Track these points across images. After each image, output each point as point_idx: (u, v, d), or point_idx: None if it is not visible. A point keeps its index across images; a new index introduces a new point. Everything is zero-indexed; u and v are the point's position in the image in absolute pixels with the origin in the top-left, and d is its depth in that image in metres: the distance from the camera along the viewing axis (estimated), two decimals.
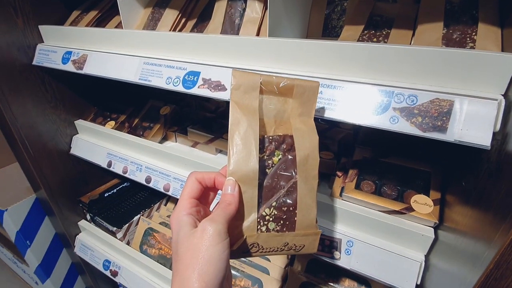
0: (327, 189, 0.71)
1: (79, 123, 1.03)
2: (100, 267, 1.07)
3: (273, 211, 0.39)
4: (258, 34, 0.59)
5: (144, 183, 0.86)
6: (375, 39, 0.53)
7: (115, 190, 1.17)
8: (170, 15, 0.72)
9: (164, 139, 1.00)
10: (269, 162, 0.41)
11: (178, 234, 0.34)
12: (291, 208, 0.40)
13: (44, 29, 0.87)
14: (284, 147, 0.42)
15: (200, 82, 0.58)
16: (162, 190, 0.83)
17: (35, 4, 0.86)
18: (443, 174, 0.60)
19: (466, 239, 0.45)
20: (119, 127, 1.00)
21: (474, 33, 0.47)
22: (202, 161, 0.78)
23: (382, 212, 0.58)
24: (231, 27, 0.62)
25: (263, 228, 0.39)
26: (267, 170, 0.41)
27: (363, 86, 0.45)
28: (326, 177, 0.75)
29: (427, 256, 0.56)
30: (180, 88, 0.60)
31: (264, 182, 0.40)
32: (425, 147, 0.68)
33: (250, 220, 0.38)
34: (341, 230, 0.61)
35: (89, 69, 0.75)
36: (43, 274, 1.20)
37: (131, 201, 1.15)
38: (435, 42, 0.47)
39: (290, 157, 0.41)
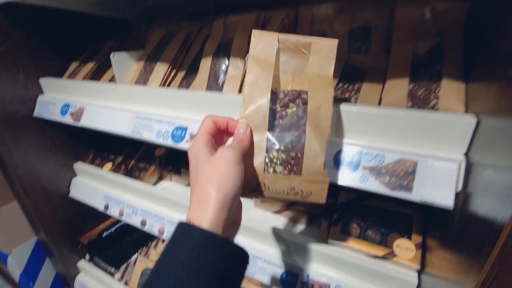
0: (316, 229, 0.72)
1: (78, 165, 1.07)
2: None
3: (281, 155, 0.41)
4: (240, 91, 0.63)
5: (140, 226, 0.88)
6: (347, 94, 0.57)
7: (113, 230, 1.19)
8: (161, 69, 0.77)
9: (160, 178, 1.02)
10: (282, 113, 0.42)
11: (198, 160, 0.37)
12: (298, 154, 0.41)
13: (44, 82, 0.93)
14: (299, 101, 0.43)
15: (187, 137, 0.62)
16: (156, 234, 0.85)
17: (36, 59, 0.92)
18: (424, 217, 0.61)
19: (444, 283, 0.46)
20: (116, 169, 1.03)
21: (438, 89, 0.50)
22: None
23: (367, 257, 0.60)
24: (216, 83, 0.66)
25: (270, 170, 0.41)
26: (280, 120, 0.42)
27: (336, 144, 0.48)
28: (314, 217, 0.77)
29: None
30: (169, 142, 0.64)
31: (275, 129, 0.42)
32: None
33: (258, 160, 0.41)
34: (329, 275, 0.62)
35: (85, 121, 0.79)
36: None
37: (129, 239, 1.16)
38: (401, 99, 0.50)
39: (303, 108, 0.42)
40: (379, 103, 0.53)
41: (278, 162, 0.41)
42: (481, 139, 0.38)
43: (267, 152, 0.41)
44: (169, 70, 0.77)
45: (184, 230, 0.33)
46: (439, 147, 0.42)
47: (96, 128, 0.77)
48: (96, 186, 1.00)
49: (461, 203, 0.40)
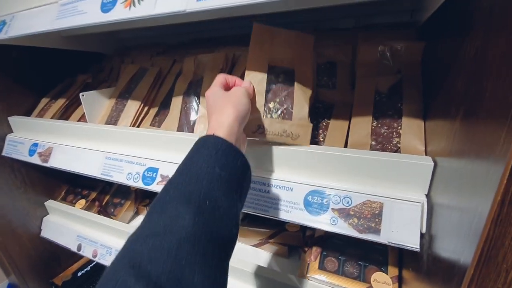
0: (296, 262, 0.72)
1: (49, 204, 1.02)
2: None
3: (276, 105, 0.51)
4: None
5: None
6: (315, 132, 0.58)
7: (88, 268, 1.13)
8: (132, 106, 0.76)
9: (136, 213, 0.99)
10: (277, 79, 0.53)
11: (215, 96, 0.43)
12: (290, 105, 0.51)
13: (13, 120, 0.90)
14: (289, 72, 0.54)
15: (158, 178, 0.61)
16: None
17: (5, 96, 0.90)
18: (399, 248, 0.62)
19: None
20: (89, 206, 0.99)
21: (399, 127, 0.52)
22: None
23: None
24: (187, 121, 0.66)
25: (268, 116, 0.50)
26: (274, 84, 0.53)
27: (306, 186, 0.48)
28: (294, 249, 0.76)
29: None
30: (140, 184, 0.62)
31: (272, 89, 0.52)
32: None
33: (259, 107, 0.50)
34: None
35: (54, 162, 0.77)
36: None
37: None
38: (365, 137, 0.51)
39: (291, 76, 0.54)
40: (346, 140, 0.54)
41: (275, 110, 0.51)
42: (439, 180, 0.40)
43: (266, 102, 0.51)
44: (141, 107, 0.76)
45: (202, 139, 0.38)
46: (403, 188, 0.43)
47: (65, 169, 0.74)
48: (69, 225, 0.96)
49: (426, 243, 0.41)
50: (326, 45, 0.71)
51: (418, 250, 0.40)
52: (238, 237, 0.82)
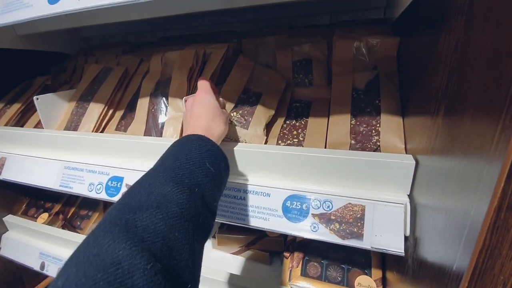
0: (278, 268, 0.68)
1: (8, 219, 0.93)
2: None
3: (238, 115, 0.57)
4: (182, 133, 0.58)
5: None
6: (294, 132, 0.55)
7: None
8: (95, 109, 0.70)
9: None
10: (248, 98, 0.60)
11: (210, 102, 0.45)
12: (249, 118, 0.56)
13: None
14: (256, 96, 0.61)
15: (123, 188, 0.55)
16: None
17: None
18: None
19: None
20: (53, 220, 0.91)
21: (378, 125, 0.50)
22: None
23: None
24: (155, 124, 0.60)
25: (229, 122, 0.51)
26: (243, 101, 0.59)
27: (284, 191, 0.45)
28: (276, 254, 0.73)
29: None
30: (103, 195, 0.56)
31: (239, 104, 0.59)
32: None
33: None
34: None
35: (7, 174, 0.68)
36: None
37: None
38: (344, 137, 0.49)
39: (258, 99, 0.60)
40: (326, 139, 0.52)
41: (236, 119, 0.56)
42: (422, 179, 0.38)
43: (231, 112, 0.58)
44: (105, 110, 0.70)
45: (193, 135, 0.39)
46: (384, 189, 0.41)
47: (19, 182, 0.66)
48: (30, 242, 0.87)
49: (411, 247, 0.39)
50: (302, 42, 0.68)
51: (403, 255, 0.38)
52: (217, 246, 0.78)
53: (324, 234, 0.41)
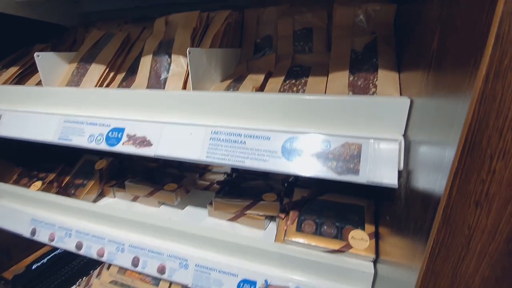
0: (274, 231, 0.70)
1: None
2: None
3: None
4: (184, 88, 0.59)
5: (75, 250, 0.76)
6: (295, 88, 0.57)
7: (45, 260, 1.02)
8: (96, 70, 0.70)
9: (101, 195, 0.92)
10: None
11: None
12: None
13: None
14: None
15: (124, 138, 0.56)
16: (95, 257, 0.74)
17: None
18: (375, 207, 0.62)
19: (396, 268, 0.45)
20: (46, 188, 0.90)
21: (375, 79, 0.52)
22: (141, 219, 0.72)
23: (325, 252, 0.58)
24: (157, 81, 0.61)
25: None
26: None
27: (283, 133, 0.46)
28: (272, 219, 0.74)
29: None
30: (103, 146, 0.57)
31: None
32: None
33: None
34: (288, 276, 0.59)
35: (3, 130, 0.68)
36: None
37: (67, 270, 1.01)
38: (343, 89, 0.51)
39: None
40: (325, 93, 0.54)
41: None
42: (415, 118, 0.40)
43: None
44: (106, 71, 0.71)
45: None
46: (380, 129, 0.43)
47: (15, 137, 0.66)
48: (21, 209, 0.86)
49: (404, 181, 0.41)
50: (302, 11, 0.70)
51: (396, 186, 0.40)
52: (213, 212, 0.79)
53: (322, 171, 0.43)
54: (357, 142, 0.43)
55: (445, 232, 0.28)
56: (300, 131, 0.46)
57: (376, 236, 0.57)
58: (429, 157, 0.32)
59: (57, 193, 0.87)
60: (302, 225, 0.62)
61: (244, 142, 0.48)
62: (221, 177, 0.92)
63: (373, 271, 0.54)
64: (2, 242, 0.96)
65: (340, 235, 0.59)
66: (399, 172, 0.41)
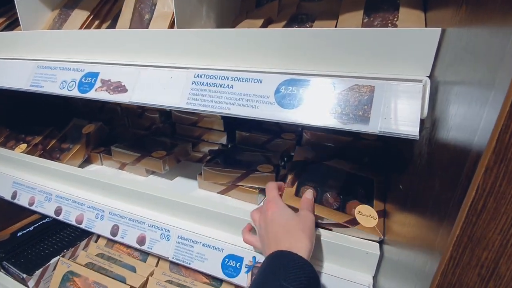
0: None
1: None
2: None
3: None
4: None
5: (54, 215, 0.71)
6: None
7: (31, 228, 0.98)
8: (79, 15, 0.63)
9: (88, 162, 0.86)
10: None
11: (286, 217, 0.45)
12: None
13: None
14: None
15: (98, 84, 0.49)
16: (74, 223, 0.68)
17: None
18: (385, 182, 0.54)
19: (408, 252, 0.37)
20: (31, 151, 0.84)
21: (395, 19, 0.42)
22: (123, 184, 0.65)
23: (323, 225, 0.50)
24: (141, 22, 0.54)
25: None
26: None
27: (276, 77, 0.38)
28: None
29: (376, 278, 0.47)
30: (75, 92, 0.50)
31: None
32: (368, 151, 0.62)
33: None
34: None
35: None
36: None
37: (52, 241, 0.96)
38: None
39: None
40: None
41: None
42: (446, 54, 0.31)
43: None
44: (90, 18, 0.63)
45: (287, 256, 0.39)
46: (400, 69, 0.34)
47: None
48: (3, 171, 0.81)
49: (427, 133, 0.32)
50: None
51: (417, 137, 0.31)
52: (203, 183, 0.71)
53: (323, 119, 0.34)
54: (369, 84, 0.34)
55: (486, 201, 0.19)
56: (298, 72, 0.37)
57: (384, 215, 0.49)
58: (466, 102, 0.23)
59: (41, 156, 0.82)
60: (301, 190, 0.53)
61: (231, 86, 0.40)
62: (216, 148, 0.84)
63: (379, 252, 0.46)
64: None
65: (343, 208, 0.50)
66: (422, 121, 0.32)
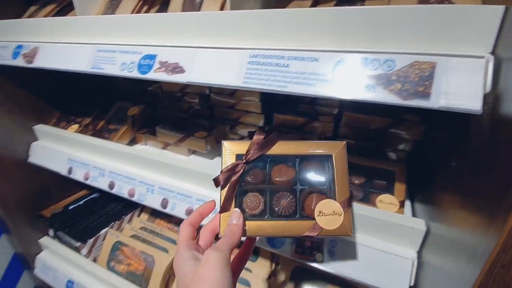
0: None
1: (38, 128, 0.94)
2: None
3: None
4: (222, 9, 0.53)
5: (107, 189, 0.77)
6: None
7: (82, 202, 1.07)
8: (130, 1, 0.67)
9: (133, 142, 0.92)
10: None
11: (183, 270, 0.35)
12: None
13: None
14: None
15: (156, 65, 0.52)
16: (126, 196, 0.74)
17: None
18: (408, 171, 0.55)
19: (458, 230, 0.38)
20: (82, 131, 0.91)
21: None
22: (171, 162, 0.70)
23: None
24: (192, 6, 0.56)
25: None
26: None
27: (333, 55, 0.39)
28: None
29: (420, 253, 0.49)
30: (135, 73, 0.54)
31: None
32: (410, 133, 0.63)
33: None
34: None
35: (39, 62, 0.68)
36: None
37: (100, 214, 1.05)
38: None
39: None
40: None
41: None
42: (509, 32, 0.31)
43: None
44: (140, 4, 0.66)
45: None
46: (461, 45, 0.34)
47: (51, 68, 0.65)
48: (59, 149, 0.88)
49: (489, 108, 0.33)
50: None
51: (479, 111, 0.32)
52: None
53: (381, 96, 0.36)
54: (430, 60, 0.34)
55: None
56: (356, 50, 0.38)
57: (411, 198, 0.50)
58: None
59: (92, 136, 0.88)
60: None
61: (287, 65, 0.42)
62: (252, 130, 0.87)
63: (424, 228, 0.47)
64: (43, 182, 1.02)
65: (367, 199, 0.52)
66: (484, 97, 0.32)
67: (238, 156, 0.45)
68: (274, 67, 0.42)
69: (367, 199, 0.56)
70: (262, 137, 0.45)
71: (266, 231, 0.42)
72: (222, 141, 0.45)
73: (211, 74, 0.47)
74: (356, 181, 0.59)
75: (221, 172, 0.44)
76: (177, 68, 0.50)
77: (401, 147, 0.65)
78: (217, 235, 0.42)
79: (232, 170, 0.43)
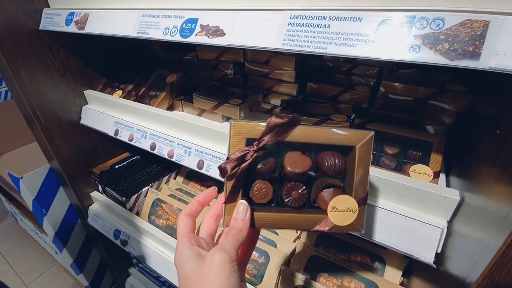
0: None
1: (88, 93, 1.03)
2: (111, 237, 1.09)
3: None
4: None
5: (149, 150, 0.84)
6: None
7: (125, 163, 1.17)
8: None
9: (171, 108, 0.97)
10: None
11: (185, 269, 0.34)
12: None
13: None
14: None
15: (197, 29, 0.54)
16: (166, 157, 0.80)
17: None
18: (447, 141, 0.53)
19: (491, 200, 0.38)
20: (126, 96, 0.98)
21: None
22: (207, 125, 0.74)
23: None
24: None
25: None
26: None
27: (377, 13, 0.38)
28: None
29: (450, 222, 0.49)
30: (177, 37, 0.56)
31: None
32: (453, 104, 0.60)
33: None
34: None
35: (90, 28, 0.73)
36: (60, 243, 1.24)
37: (141, 174, 1.15)
38: None
39: None
40: None
41: None
42: None
43: None
44: None
45: None
46: None
47: (100, 33, 0.70)
48: (107, 112, 0.96)
49: None
50: None
51: None
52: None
53: (426, 57, 0.35)
54: (483, 18, 0.33)
55: None
56: (402, 8, 0.37)
57: (446, 170, 0.49)
58: None
59: (135, 101, 0.95)
60: None
61: (329, 26, 0.41)
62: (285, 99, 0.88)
63: (458, 198, 0.47)
64: (93, 142, 1.12)
65: (399, 168, 0.52)
66: None
67: (249, 141, 0.39)
68: (315, 28, 0.42)
69: (399, 169, 0.56)
70: (280, 121, 0.39)
71: (274, 223, 0.40)
72: (230, 121, 0.40)
73: (251, 37, 0.48)
74: (390, 151, 0.59)
75: (227, 159, 0.38)
76: (218, 31, 0.51)
77: (442, 120, 0.62)
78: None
79: (241, 158, 0.38)
